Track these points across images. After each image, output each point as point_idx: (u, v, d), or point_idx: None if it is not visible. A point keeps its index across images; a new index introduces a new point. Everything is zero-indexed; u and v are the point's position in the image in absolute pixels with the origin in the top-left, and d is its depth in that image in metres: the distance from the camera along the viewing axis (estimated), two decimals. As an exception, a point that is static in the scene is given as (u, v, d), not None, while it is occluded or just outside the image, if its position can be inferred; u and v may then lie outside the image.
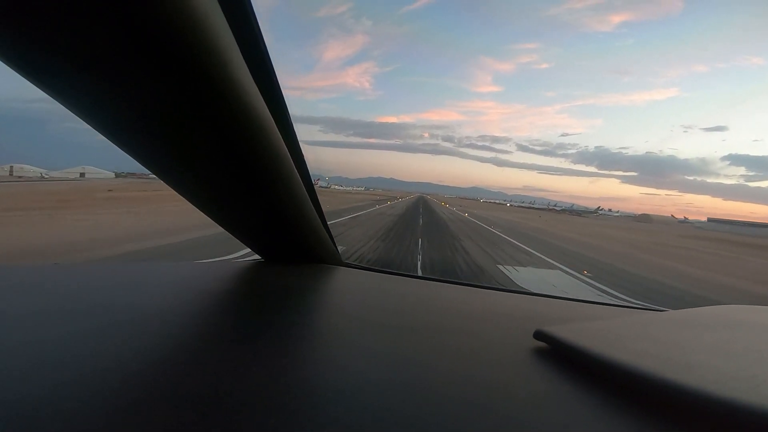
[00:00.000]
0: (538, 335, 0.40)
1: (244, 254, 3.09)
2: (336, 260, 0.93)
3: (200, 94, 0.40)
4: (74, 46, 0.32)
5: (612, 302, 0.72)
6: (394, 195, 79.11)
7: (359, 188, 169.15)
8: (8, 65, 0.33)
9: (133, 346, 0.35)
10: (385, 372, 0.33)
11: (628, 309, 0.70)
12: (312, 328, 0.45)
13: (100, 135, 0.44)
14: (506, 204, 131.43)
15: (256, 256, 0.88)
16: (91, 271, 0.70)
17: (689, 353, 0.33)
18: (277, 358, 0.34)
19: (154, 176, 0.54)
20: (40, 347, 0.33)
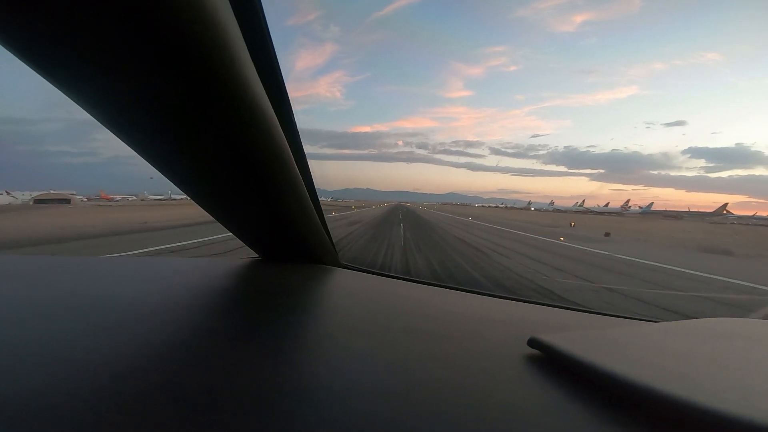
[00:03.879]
0: (532, 343, 0.40)
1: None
2: (334, 261, 0.93)
3: (206, 91, 0.40)
4: (83, 40, 0.32)
5: (607, 312, 0.71)
6: (353, 204, 58.85)
7: (326, 199, 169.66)
8: (21, 59, 0.33)
9: (128, 342, 0.35)
10: (378, 375, 0.33)
11: (623, 319, 0.70)
12: (307, 329, 0.45)
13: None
14: (530, 209, 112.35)
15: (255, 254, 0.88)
16: (87, 264, 0.69)
17: (683, 364, 0.33)
18: (272, 357, 0.34)
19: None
20: (33, 341, 0.33)
